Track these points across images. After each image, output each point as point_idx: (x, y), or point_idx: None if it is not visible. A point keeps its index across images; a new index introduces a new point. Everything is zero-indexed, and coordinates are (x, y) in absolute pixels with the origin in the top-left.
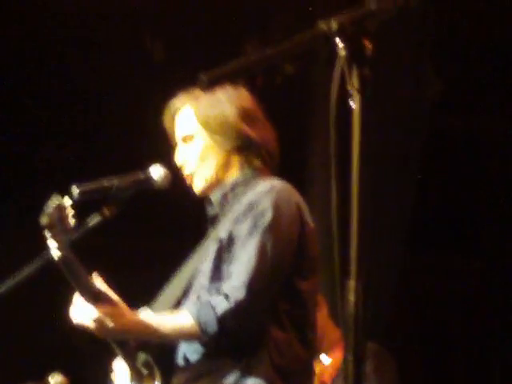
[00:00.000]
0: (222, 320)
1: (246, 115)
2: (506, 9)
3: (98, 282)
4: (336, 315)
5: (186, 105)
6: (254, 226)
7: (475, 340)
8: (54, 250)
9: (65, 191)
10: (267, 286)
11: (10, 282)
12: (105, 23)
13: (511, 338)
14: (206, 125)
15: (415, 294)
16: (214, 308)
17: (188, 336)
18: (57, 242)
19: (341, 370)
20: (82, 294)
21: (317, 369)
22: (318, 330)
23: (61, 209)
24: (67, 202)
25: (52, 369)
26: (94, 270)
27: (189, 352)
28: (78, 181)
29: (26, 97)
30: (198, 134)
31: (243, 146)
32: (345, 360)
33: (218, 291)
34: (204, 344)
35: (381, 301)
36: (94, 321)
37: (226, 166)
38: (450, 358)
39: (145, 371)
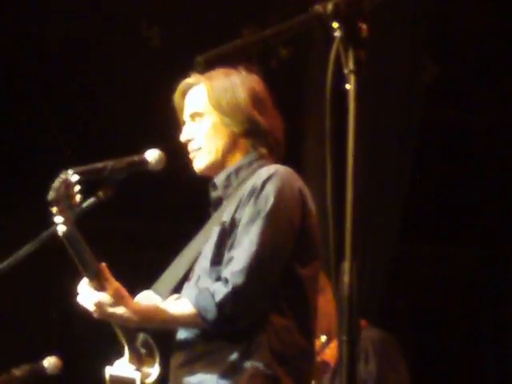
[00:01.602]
0: (221, 305)
1: (257, 101)
2: None
3: (105, 271)
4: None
5: (200, 83)
6: (257, 211)
7: (467, 325)
8: (60, 225)
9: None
10: (267, 271)
11: (7, 262)
12: (102, 8)
13: (503, 323)
14: (217, 105)
15: (408, 280)
16: (212, 294)
17: (188, 323)
18: (63, 217)
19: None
20: (84, 271)
21: (328, 352)
22: (325, 314)
23: (68, 185)
24: (74, 178)
25: (46, 352)
26: (97, 252)
27: (187, 333)
28: (75, 164)
29: (24, 84)
30: (207, 113)
31: (251, 131)
32: (340, 341)
33: (219, 276)
34: (205, 331)
35: (374, 285)
36: (95, 305)
37: (231, 149)
38: (442, 342)
39: (143, 351)
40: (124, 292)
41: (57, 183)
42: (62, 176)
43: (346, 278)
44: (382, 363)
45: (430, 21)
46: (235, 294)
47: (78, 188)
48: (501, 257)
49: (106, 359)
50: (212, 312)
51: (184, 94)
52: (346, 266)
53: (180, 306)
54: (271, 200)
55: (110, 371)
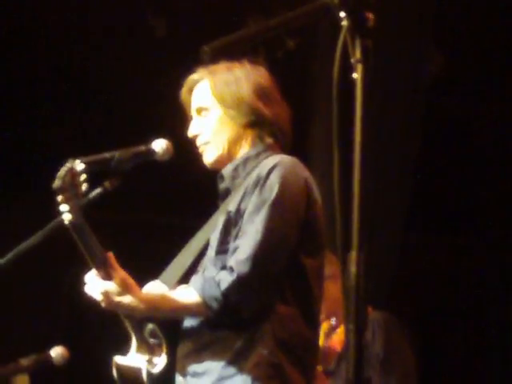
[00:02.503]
0: (227, 295)
1: (261, 92)
2: None
3: (112, 259)
4: None
5: (204, 78)
6: (262, 200)
7: (474, 315)
8: (66, 213)
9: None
10: (272, 260)
11: (15, 252)
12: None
13: (507, 311)
14: (221, 99)
15: (415, 270)
16: (218, 283)
17: (194, 312)
18: (69, 205)
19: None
20: (91, 260)
21: (335, 337)
22: (336, 300)
23: (73, 173)
24: (80, 166)
25: (53, 342)
26: (104, 243)
27: (193, 322)
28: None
29: (26, 73)
30: (213, 107)
31: (256, 122)
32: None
33: (224, 265)
34: (211, 320)
35: (381, 275)
36: (102, 294)
37: (238, 141)
38: (448, 332)
39: (151, 341)
40: (131, 281)
41: (62, 172)
42: (68, 164)
43: (352, 268)
44: (386, 345)
45: (436, 11)
46: (240, 283)
47: (84, 177)
48: (508, 247)
49: (112, 349)
50: (218, 301)
51: (190, 90)
52: (353, 255)
53: (186, 295)
54: (276, 189)
55: (117, 360)
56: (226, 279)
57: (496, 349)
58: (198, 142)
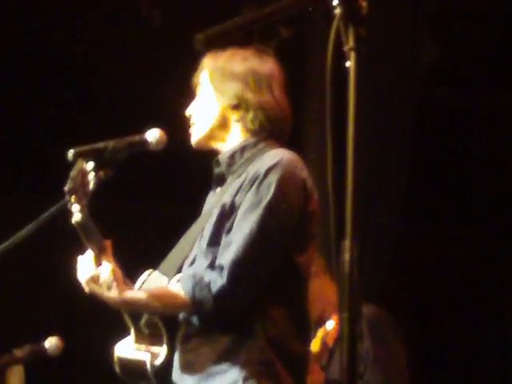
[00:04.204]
0: (218, 298)
1: (252, 79)
2: None
3: (109, 249)
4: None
5: (207, 63)
6: (258, 199)
7: (470, 306)
8: (77, 213)
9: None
10: (264, 263)
11: (9, 242)
12: None
13: (506, 301)
14: (211, 78)
15: (409, 260)
16: (208, 285)
17: (181, 311)
18: (80, 205)
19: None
20: (90, 245)
21: (320, 333)
22: (318, 299)
23: (84, 173)
24: (89, 166)
25: (48, 333)
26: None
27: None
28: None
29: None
30: (206, 90)
31: (239, 106)
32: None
33: (214, 263)
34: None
35: (376, 264)
36: (91, 281)
37: (221, 122)
38: (444, 323)
39: (147, 331)
40: (119, 275)
41: (74, 172)
42: (79, 165)
43: (346, 256)
44: (376, 343)
45: (431, 2)
46: (231, 285)
47: (92, 175)
48: (504, 237)
49: (107, 340)
50: (209, 304)
51: (199, 73)
52: (347, 243)
53: (173, 294)
54: (273, 190)
55: (118, 353)
56: (217, 281)
57: (494, 340)
58: (190, 123)
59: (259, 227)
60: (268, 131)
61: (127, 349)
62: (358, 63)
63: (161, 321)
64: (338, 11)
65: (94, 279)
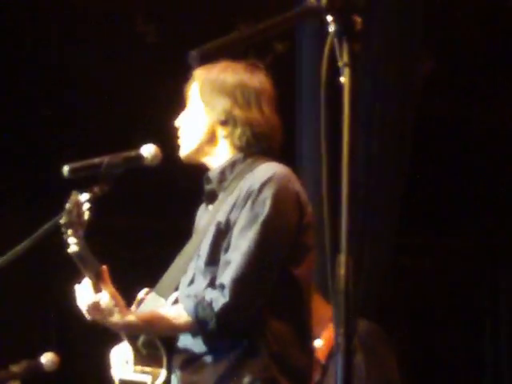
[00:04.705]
0: (221, 316)
1: (241, 94)
2: None
3: (106, 275)
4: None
5: (199, 76)
6: (254, 216)
7: (464, 318)
8: (73, 245)
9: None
10: (265, 279)
11: (5, 258)
12: (98, 6)
13: (500, 316)
14: (202, 96)
15: (405, 274)
16: (210, 304)
17: (184, 332)
18: (76, 238)
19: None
20: (86, 272)
21: (318, 350)
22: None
23: (78, 205)
24: (84, 197)
25: (44, 348)
26: (97, 248)
27: (189, 336)
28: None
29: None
30: (195, 103)
31: (227, 122)
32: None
33: (213, 282)
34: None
35: (372, 279)
36: (91, 308)
37: (209, 137)
38: (440, 335)
39: (146, 351)
40: (119, 299)
41: (69, 206)
42: (73, 198)
43: (342, 271)
44: (368, 357)
45: (427, 13)
46: (234, 304)
47: (87, 206)
48: (500, 249)
49: (103, 355)
50: (211, 323)
51: (190, 85)
52: (342, 258)
53: (174, 315)
54: (268, 205)
55: (119, 376)
56: (219, 300)
57: (489, 352)
58: (178, 134)
59: (257, 244)
60: (255, 147)
61: (127, 371)
62: (353, 78)
63: (159, 340)
64: (332, 27)
65: (95, 306)
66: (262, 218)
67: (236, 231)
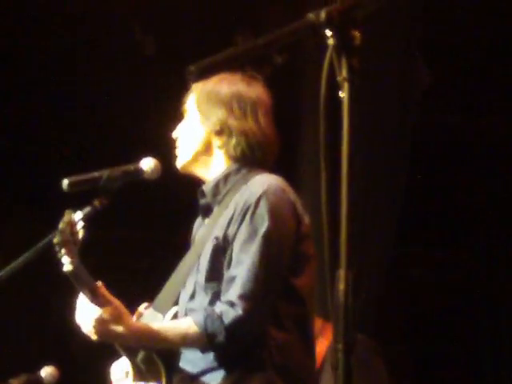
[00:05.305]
0: (231, 329)
1: (237, 105)
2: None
3: (102, 289)
4: (326, 305)
5: (196, 88)
6: (254, 230)
7: (464, 332)
8: (68, 264)
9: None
10: (271, 292)
11: (4, 271)
12: (96, 17)
13: (500, 329)
14: (198, 107)
15: (404, 287)
16: (221, 317)
17: (193, 345)
18: (69, 257)
19: (326, 360)
20: (82, 290)
21: None
22: None
23: (72, 224)
24: (78, 216)
25: (44, 362)
26: (93, 261)
27: (188, 349)
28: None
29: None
30: (191, 114)
31: (222, 132)
32: (334, 349)
33: (216, 297)
34: (212, 353)
35: (370, 293)
36: (97, 323)
37: (205, 147)
38: (438, 350)
39: (143, 367)
40: (123, 309)
41: (62, 226)
42: (66, 218)
43: (341, 285)
44: (362, 372)
45: (424, 27)
46: (245, 318)
47: (81, 224)
48: (497, 260)
49: (103, 369)
50: (221, 336)
51: (187, 97)
52: (341, 273)
53: (184, 327)
54: (267, 218)
55: None
56: (229, 314)
57: (488, 362)
58: (176, 145)
59: (260, 257)
60: (250, 158)
61: None
62: (352, 93)
63: (158, 356)
64: (331, 41)
65: (101, 320)
66: (261, 232)
67: (237, 246)
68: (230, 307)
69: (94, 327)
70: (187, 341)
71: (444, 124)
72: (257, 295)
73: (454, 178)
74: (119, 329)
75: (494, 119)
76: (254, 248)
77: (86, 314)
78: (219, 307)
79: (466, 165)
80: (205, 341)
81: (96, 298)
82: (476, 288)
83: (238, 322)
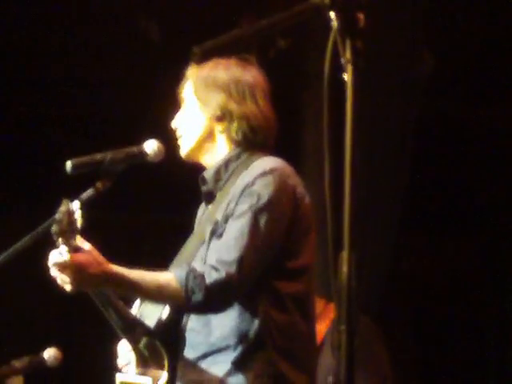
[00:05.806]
0: (210, 289)
1: (235, 89)
2: None
3: (84, 243)
4: (329, 286)
5: (192, 74)
6: (248, 205)
7: (469, 318)
8: (65, 254)
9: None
10: (257, 263)
11: (6, 254)
12: (99, 4)
13: (503, 318)
14: (196, 94)
15: (407, 275)
16: (202, 276)
17: (169, 298)
18: (67, 246)
19: (326, 341)
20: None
21: None
22: None
23: (70, 214)
24: (75, 205)
25: (46, 344)
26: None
27: (192, 330)
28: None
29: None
30: (190, 102)
31: (223, 117)
32: (337, 330)
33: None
34: (212, 336)
35: (374, 278)
36: (72, 268)
37: (207, 134)
38: (442, 336)
39: (146, 353)
40: (101, 256)
41: (59, 215)
42: (63, 207)
43: (344, 268)
44: (364, 353)
45: (428, 13)
46: (226, 282)
47: (79, 213)
48: (502, 249)
49: (106, 351)
50: (200, 294)
51: (183, 84)
52: (345, 255)
53: (164, 279)
54: (262, 194)
55: (120, 378)
56: (211, 274)
57: (493, 352)
58: (177, 135)
59: (251, 231)
60: (252, 141)
61: (129, 373)
62: (356, 75)
63: (160, 343)
64: (335, 24)
65: (74, 266)
66: (256, 208)
67: (230, 220)
68: (213, 269)
69: (68, 274)
70: (164, 294)
71: (449, 111)
72: (242, 265)
73: (460, 166)
74: (96, 272)
75: (502, 107)
76: (244, 221)
77: (60, 263)
78: (202, 268)
79: (473, 152)
80: (182, 296)
81: (70, 246)
82: (481, 278)
83: (219, 284)
